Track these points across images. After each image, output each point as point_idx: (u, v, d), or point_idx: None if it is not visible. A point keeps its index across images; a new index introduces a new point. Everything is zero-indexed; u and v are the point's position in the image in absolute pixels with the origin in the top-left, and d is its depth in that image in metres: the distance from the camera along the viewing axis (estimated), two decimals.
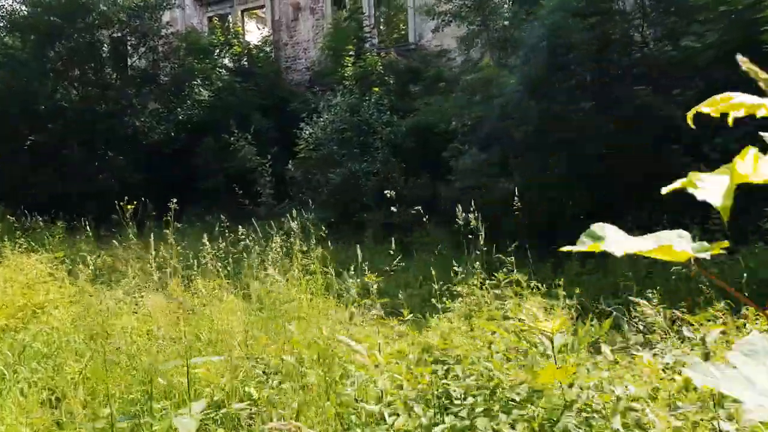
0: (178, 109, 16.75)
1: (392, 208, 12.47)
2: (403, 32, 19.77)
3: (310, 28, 21.47)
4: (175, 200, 8.01)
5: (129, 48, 17.21)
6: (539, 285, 4.59)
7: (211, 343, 4.51)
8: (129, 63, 17.55)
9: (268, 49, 17.99)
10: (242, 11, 22.14)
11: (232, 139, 10.31)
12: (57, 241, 10.63)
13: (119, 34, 16.83)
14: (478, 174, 10.17)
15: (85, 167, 15.29)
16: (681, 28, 9.04)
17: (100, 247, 11.42)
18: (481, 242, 5.11)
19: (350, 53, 15.04)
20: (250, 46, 18.56)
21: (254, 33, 23.38)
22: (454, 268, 4.91)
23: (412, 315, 3.93)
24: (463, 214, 5.36)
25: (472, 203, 5.57)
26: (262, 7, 22.33)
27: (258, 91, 17.50)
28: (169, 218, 7.97)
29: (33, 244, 8.91)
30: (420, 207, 8.44)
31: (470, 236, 5.43)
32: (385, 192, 8.67)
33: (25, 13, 16.43)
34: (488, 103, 9.84)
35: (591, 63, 9.22)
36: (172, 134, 17.02)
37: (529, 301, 3.71)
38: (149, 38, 16.79)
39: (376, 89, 13.57)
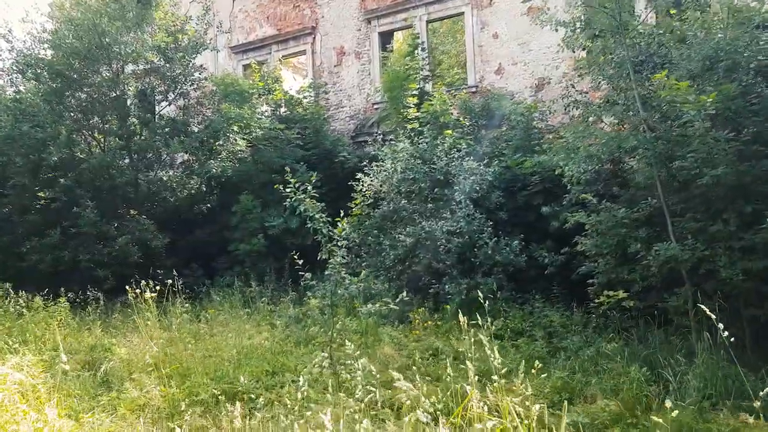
0: (211, 162, 14.52)
1: (477, 277, 9.82)
2: (456, 76, 17.50)
3: (354, 74, 19.49)
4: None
5: (157, 94, 15.19)
6: None
7: None
8: (157, 111, 15.51)
9: (312, 93, 15.86)
10: (281, 58, 20.30)
11: (287, 190, 7.86)
12: (55, 326, 8.08)
13: (147, 78, 14.84)
14: (618, 235, 7.47)
15: (100, 228, 12.94)
16: None
17: (110, 332, 8.83)
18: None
19: (413, 92, 12.75)
20: (292, 92, 16.44)
21: (289, 83, 21.52)
22: None
23: None
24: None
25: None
26: (302, 53, 20.54)
27: (301, 141, 15.26)
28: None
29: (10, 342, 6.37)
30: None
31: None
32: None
33: (48, 55, 14.60)
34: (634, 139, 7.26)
35: None
36: (204, 189, 14.74)
37: None
38: (180, 82, 14.78)
39: (449, 132, 11.14)
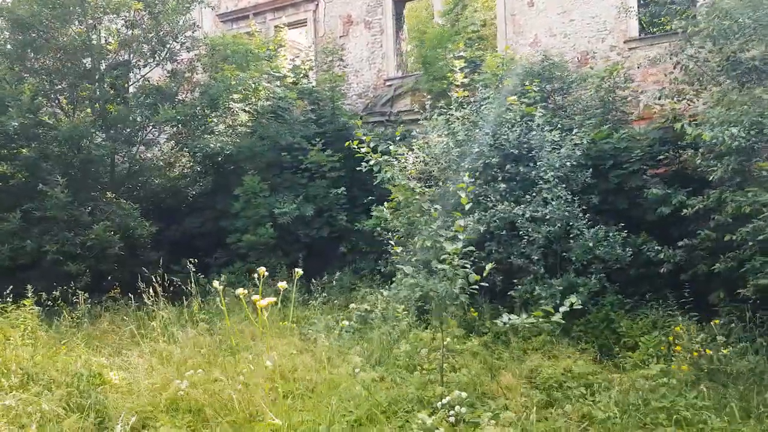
0: (207, 136, 12.10)
1: (571, 276, 7.80)
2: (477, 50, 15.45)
3: (363, 46, 17.27)
4: None
5: (139, 56, 12.63)
6: None
7: None
8: (137, 76, 12.98)
9: (330, 59, 13.56)
10: (276, 27, 17.88)
11: (362, 149, 5.72)
12: (17, 340, 5.68)
13: (129, 32, 12.29)
14: None
15: (72, 212, 10.44)
16: None
17: (95, 347, 6.48)
18: None
19: (459, 54, 10.65)
20: (298, 63, 14.09)
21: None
22: None
23: None
24: None
25: None
26: (302, 24, 18.21)
27: (314, 115, 13.01)
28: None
29: None
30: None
31: None
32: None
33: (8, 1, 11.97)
34: None
35: None
36: (198, 169, 12.33)
37: None
38: (168, 42, 12.31)
39: (512, 99, 9.09)
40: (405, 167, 9.79)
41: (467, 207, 4.81)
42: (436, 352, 4.75)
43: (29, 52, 11.86)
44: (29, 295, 6.88)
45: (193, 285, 7.90)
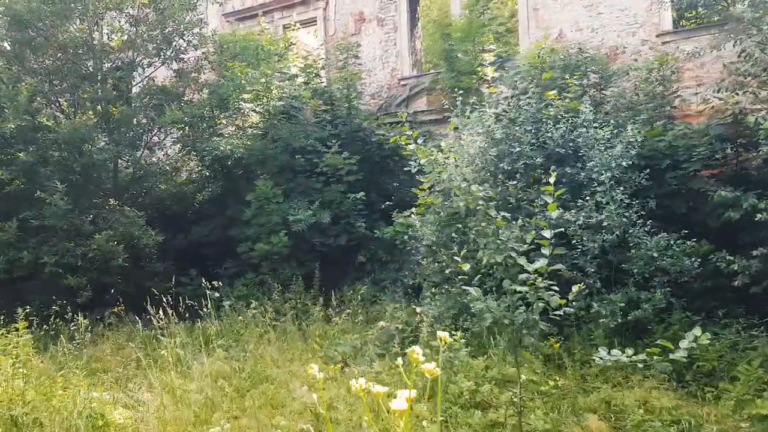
0: (216, 139, 11.30)
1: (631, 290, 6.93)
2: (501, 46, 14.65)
3: (376, 44, 16.50)
4: None
5: (143, 56, 11.86)
6: None
7: None
8: (140, 76, 12.20)
9: (344, 56, 12.76)
10: (284, 26, 17.12)
11: (409, 146, 4.95)
12: (9, 370, 4.87)
13: (133, 29, 11.52)
14: None
15: (72, 221, 9.66)
16: None
17: (98, 378, 5.68)
18: None
19: (489, 46, 9.84)
20: (311, 61, 13.28)
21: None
22: None
23: None
24: None
25: None
26: (312, 23, 17.46)
27: (328, 116, 12.23)
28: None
29: None
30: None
31: None
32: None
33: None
34: None
35: None
36: (207, 173, 11.54)
37: None
38: (174, 40, 11.55)
39: (552, 94, 8.28)
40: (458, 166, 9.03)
41: (554, 215, 4.02)
42: (505, 387, 3.93)
43: (27, 52, 11.10)
44: (21, 317, 6.05)
45: (208, 303, 7.10)
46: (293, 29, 15.40)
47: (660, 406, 4.84)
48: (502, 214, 4.63)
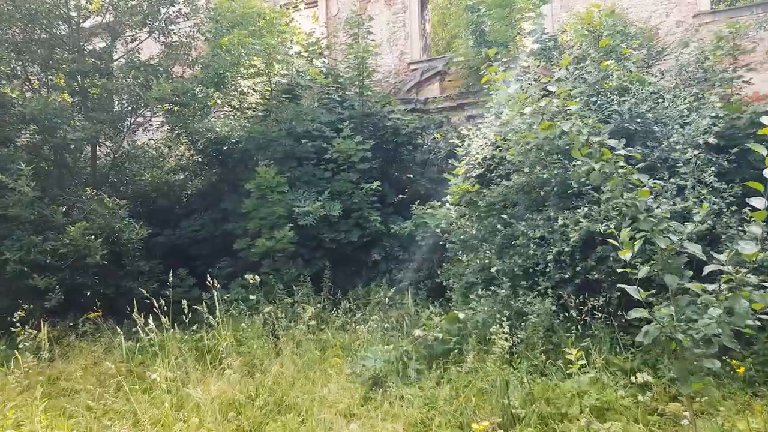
0: (209, 120, 9.89)
1: None
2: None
3: (384, 26, 15.26)
4: None
5: (125, 27, 10.42)
6: None
7: None
8: (121, 50, 10.76)
9: (354, 31, 11.41)
10: (282, 5, 15.76)
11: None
12: None
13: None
14: None
15: (42, 211, 8.21)
16: None
17: (71, 403, 4.30)
18: None
19: (529, 13, 8.60)
20: (314, 40, 11.92)
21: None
22: None
23: None
24: None
25: None
26: (312, 4, 16.15)
27: (338, 97, 10.91)
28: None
29: None
30: None
31: None
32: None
33: None
34: None
35: None
36: (199, 160, 10.13)
37: None
38: (164, 3, 10.13)
39: (608, 64, 7.06)
40: (468, 153, 7.77)
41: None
42: None
43: None
44: None
45: (203, 308, 5.74)
46: (293, 6, 14.08)
47: None
48: (653, 180, 3.38)
